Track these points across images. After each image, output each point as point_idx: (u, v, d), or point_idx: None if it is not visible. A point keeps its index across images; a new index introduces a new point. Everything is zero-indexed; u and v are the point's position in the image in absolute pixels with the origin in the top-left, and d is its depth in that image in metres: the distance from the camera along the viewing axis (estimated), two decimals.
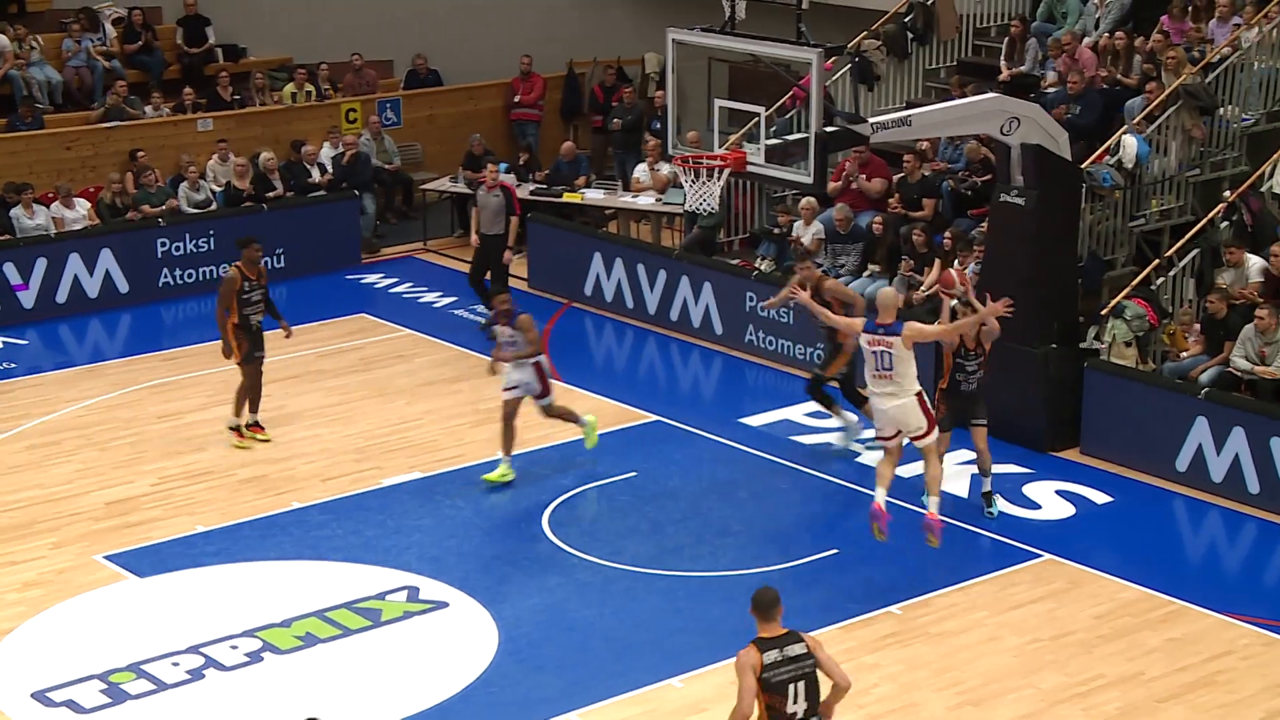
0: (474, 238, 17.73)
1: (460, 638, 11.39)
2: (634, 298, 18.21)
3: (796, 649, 8.18)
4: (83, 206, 19.12)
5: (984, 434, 13.23)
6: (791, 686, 8.13)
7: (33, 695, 10.58)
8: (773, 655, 8.09)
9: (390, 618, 11.65)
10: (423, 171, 22.31)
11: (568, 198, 20.25)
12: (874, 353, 11.85)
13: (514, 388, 13.89)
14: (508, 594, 11.98)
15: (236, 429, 14.88)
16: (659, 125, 20.28)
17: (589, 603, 11.89)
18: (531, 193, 20.41)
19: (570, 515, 13.32)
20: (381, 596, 11.94)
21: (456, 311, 18.35)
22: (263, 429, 15.01)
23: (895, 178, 17.77)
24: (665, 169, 19.56)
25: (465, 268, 18.64)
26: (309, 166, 20.64)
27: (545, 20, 24.77)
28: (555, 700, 10.58)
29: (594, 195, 20.35)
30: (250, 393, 14.91)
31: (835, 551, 12.64)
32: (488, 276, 17.70)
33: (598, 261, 18.56)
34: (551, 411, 14.10)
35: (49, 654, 11.15)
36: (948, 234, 16.34)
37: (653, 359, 17.47)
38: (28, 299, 18.20)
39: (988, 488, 13.30)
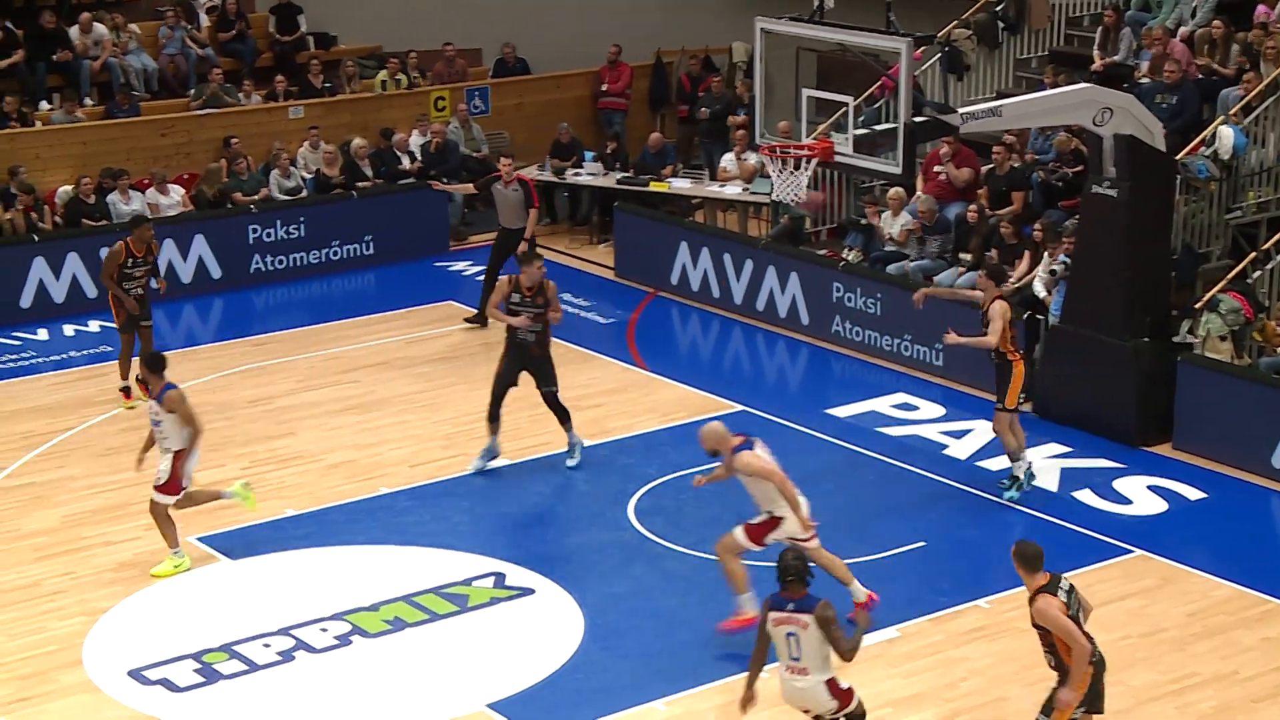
0: (438, 185, 18.09)
1: (546, 624, 11.44)
2: (720, 287, 18.19)
3: (1067, 583, 8.90)
4: (177, 193, 19.39)
5: (999, 417, 13.14)
6: (1081, 615, 8.85)
7: (129, 673, 10.76)
8: (1061, 596, 8.76)
9: (477, 603, 11.72)
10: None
11: (654, 187, 20.27)
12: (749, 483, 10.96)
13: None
14: (593, 582, 12.01)
15: (126, 390, 15.43)
16: (745, 114, 20.26)
17: (674, 592, 11.90)
18: (619, 182, 20.45)
19: (655, 504, 13.32)
20: (468, 582, 12.02)
21: None
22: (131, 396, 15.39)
23: (984, 169, 17.62)
24: (752, 158, 19.54)
25: (553, 255, 18.70)
26: (399, 154, 20.81)
27: (633, 9, 24.80)
28: (641, 688, 10.61)
29: (680, 185, 20.35)
30: (126, 358, 15.44)
31: (922, 544, 12.58)
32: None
33: (684, 251, 18.56)
34: (192, 499, 12.31)
35: (144, 633, 11.33)
36: (1038, 225, 16.18)
37: (738, 349, 17.45)
38: None
39: (1016, 472, 13.27)
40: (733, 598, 11.07)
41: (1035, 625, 8.81)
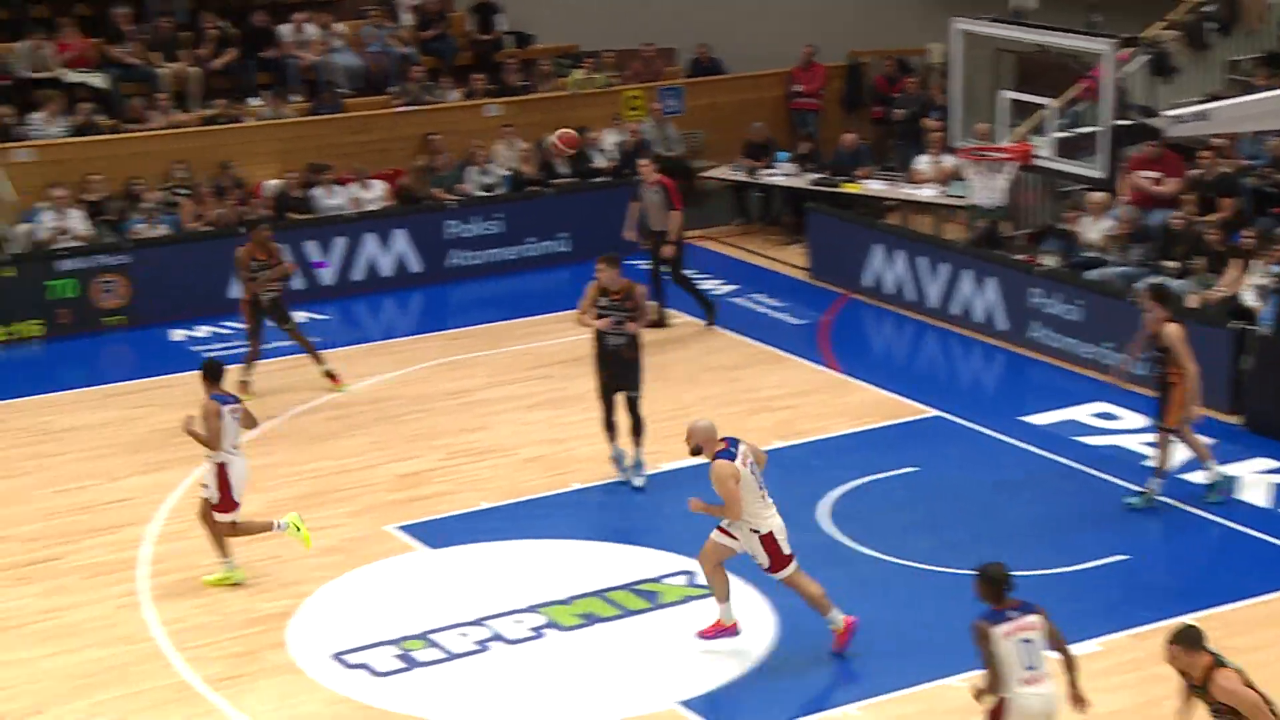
0: (631, 234, 17.72)
1: (739, 624, 11.43)
2: (915, 290, 18.02)
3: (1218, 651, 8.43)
4: (378, 188, 19.83)
5: (1161, 436, 12.90)
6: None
7: (332, 656, 11.02)
8: (1232, 665, 8.27)
9: (669, 601, 11.76)
10: (703, 159, 22.45)
11: (847, 188, 20.16)
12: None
13: (205, 486, 11.99)
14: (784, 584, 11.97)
15: (330, 374, 15.94)
16: (940, 116, 20.04)
17: (867, 596, 11.79)
18: (812, 183, 20.38)
19: (847, 508, 13.24)
20: (660, 579, 12.07)
21: (735, 299, 18.43)
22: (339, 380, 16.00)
23: (1191, 174, 17.18)
24: (948, 161, 19.31)
25: (745, 255, 18.69)
26: (592, 152, 20.99)
27: (828, 10, 24.71)
28: (833, 691, 10.57)
29: (875, 186, 20.21)
30: (309, 349, 15.94)
31: (1124, 557, 12.28)
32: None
33: (878, 253, 18.42)
34: (238, 530, 12.00)
35: (346, 618, 11.58)
36: (1248, 233, 15.73)
37: (933, 353, 17.27)
38: (327, 276, 18.98)
39: (1147, 487, 12.99)
40: (825, 614, 10.94)
41: (1217, 705, 8.30)
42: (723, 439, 10.72)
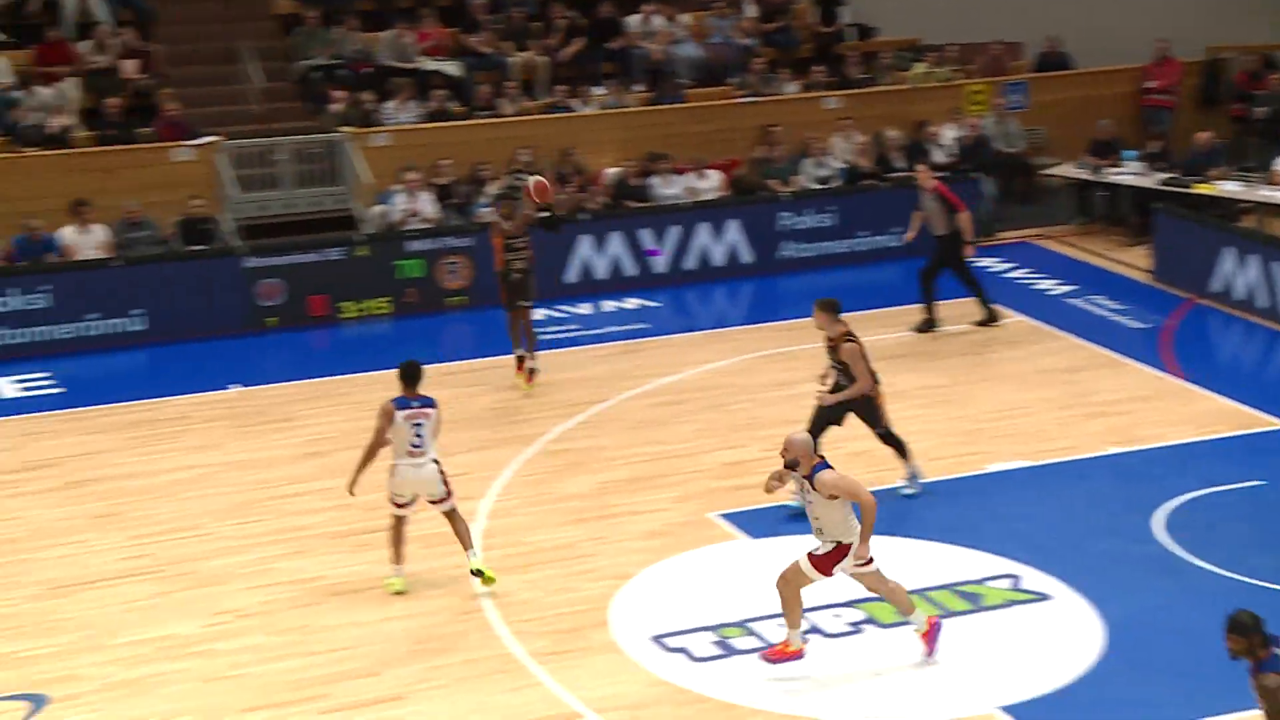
0: (911, 235, 17.42)
1: (1064, 631, 11.11)
2: (1268, 296, 17.16)
3: None
4: (714, 178, 20.01)
5: None
6: None
7: (652, 639, 11.16)
8: None
9: (992, 604, 11.51)
10: (1045, 156, 21.89)
11: (1198, 189, 19.36)
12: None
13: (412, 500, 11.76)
14: (1114, 593, 11.56)
15: (531, 370, 15.94)
16: None
17: (1204, 610, 11.21)
18: (1161, 183, 19.63)
19: (1184, 519, 12.71)
20: (982, 582, 11.83)
21: (1073, 300, 17.89)
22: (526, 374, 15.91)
23: None
24: None
25: (1086, 256, 18.16)
26: (930, 147, 20.70)
27: (1182, 3, 23.77)
28: (1168, 706, 10.14)
29: (1230, 187, 19.32)
30: (513, 334, 15.97)
31: None
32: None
33: (1229, 257, 17.61)
34: (394, 529, 11.85)
35: (666, 602, 11.71)
36: None
37: None
38: (661, 264, 19.26)
39: None
40: (786, 628, 10.58)
41: None
42: (818, 455, 10.53)
